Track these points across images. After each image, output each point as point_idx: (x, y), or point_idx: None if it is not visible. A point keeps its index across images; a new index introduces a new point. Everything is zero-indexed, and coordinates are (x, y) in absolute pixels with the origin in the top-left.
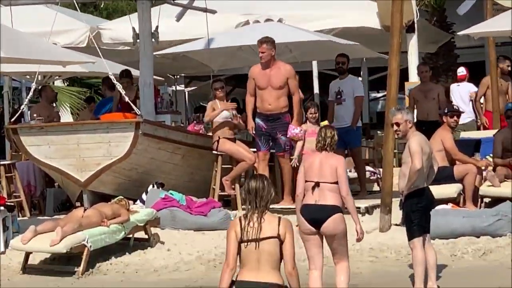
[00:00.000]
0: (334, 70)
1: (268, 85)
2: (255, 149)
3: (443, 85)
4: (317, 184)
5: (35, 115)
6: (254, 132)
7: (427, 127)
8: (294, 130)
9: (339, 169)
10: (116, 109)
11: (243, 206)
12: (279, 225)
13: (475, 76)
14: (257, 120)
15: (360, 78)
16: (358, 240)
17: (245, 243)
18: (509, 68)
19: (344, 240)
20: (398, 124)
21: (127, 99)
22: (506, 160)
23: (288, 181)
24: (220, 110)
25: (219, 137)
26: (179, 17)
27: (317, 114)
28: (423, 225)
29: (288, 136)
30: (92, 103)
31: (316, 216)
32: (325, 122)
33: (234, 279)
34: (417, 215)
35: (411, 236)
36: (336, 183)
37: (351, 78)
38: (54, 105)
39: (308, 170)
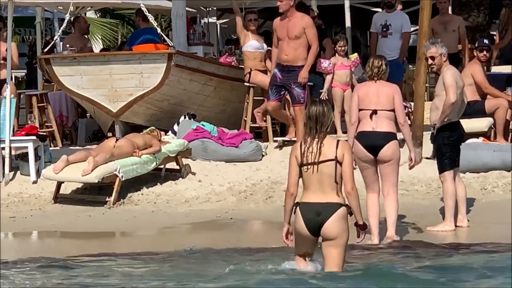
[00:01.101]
0: (366, 3)
1: (285, 36)
2: None
3: (474, 19)
4: (374, 112)
5: (67, 45)
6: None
7: None
8: (323, 64)
9: (396, 97)
10: None
11: (274, 138)
12: (337, 148)
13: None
14: (275, 69)
15: None
16: (411, 167)
17: (305, 167)
18: None
19: (397, 167)
20: (433, 58)
21: (159, 30)
22: None
23: (301, 129)
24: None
25: (251, 69)
26: None
27: (346, 47)
28: (454, 159)
29: (317, 70)
30: None
31: (374, 142)
32: (355, 55)
33: (298, 201)
34: (449, 148)
35: (442, 169)
36: (392, 110)
37: (400, 13)
38: (86, 36)
39: (363, 98)
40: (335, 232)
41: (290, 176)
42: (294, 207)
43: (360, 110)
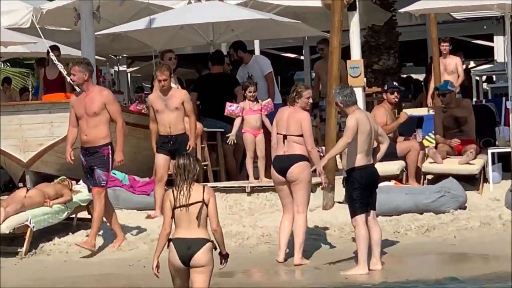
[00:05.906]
0: (276, 49)
1: (84, 113)
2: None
3: (385, 63)
4: (284, 137)
5: None
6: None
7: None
8: (230, 107)
9: (303, 124)
10: (45, 92)
11: None
12: (203, 192)
13: (416, 54)
14: (80, 155)
15: (302, 57)
16: (322, 187)
17: (178, 209)
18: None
19: (307, 187)
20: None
21: (69, 79)
22: (447, 141)
23: (96, 220)
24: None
25: None
26: (121, 2)
27: (255, 93)
28: (366, 203)
29: (225, 113)
30: (5, 84)
31: (284, 165)
32: (268, 100)
33: (171, 237)
34: (358, 192)
35: (353, 213)
36: (301, 136)
37: (256, 59)
38: None
39: (278, 123)
40: (203, 262)
41: (165, 218)
42: (167, 242)
43: (277, 133)
